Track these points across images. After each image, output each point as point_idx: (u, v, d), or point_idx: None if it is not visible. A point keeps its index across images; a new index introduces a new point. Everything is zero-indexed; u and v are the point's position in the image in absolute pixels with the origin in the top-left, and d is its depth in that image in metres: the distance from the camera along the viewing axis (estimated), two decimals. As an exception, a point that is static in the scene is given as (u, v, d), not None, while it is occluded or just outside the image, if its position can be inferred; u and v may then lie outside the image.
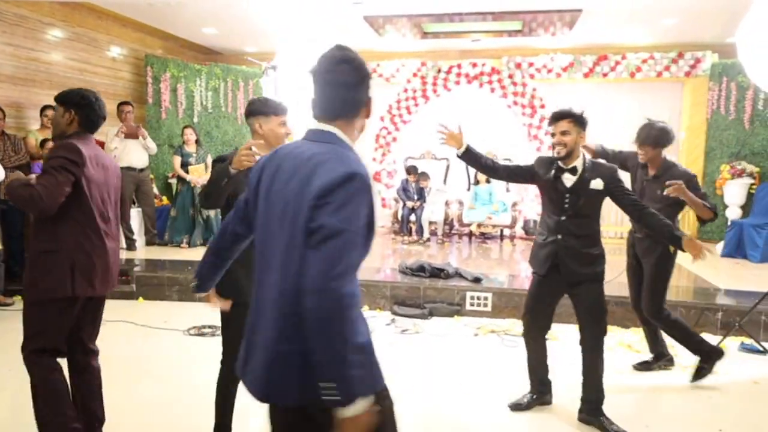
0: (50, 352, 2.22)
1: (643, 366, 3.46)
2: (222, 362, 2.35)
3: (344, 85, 1.34)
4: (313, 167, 1.26)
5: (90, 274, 2.17)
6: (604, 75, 7.30)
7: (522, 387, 3.18)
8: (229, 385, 2.32)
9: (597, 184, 2.58)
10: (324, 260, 1.16)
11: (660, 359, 3.45)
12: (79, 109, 2.20)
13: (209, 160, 6.59)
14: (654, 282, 3.15)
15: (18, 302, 4.70)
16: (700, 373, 3.22)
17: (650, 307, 3.18)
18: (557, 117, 2.61)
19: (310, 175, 1.25)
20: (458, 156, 2.81)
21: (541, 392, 2.93)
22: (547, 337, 4.03)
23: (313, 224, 1.20)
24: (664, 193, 2.93)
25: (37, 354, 2.20)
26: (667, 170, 3.07)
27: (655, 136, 3.02)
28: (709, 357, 3.20)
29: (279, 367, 1.27)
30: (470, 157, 2.80)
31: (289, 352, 1.25)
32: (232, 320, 2.22)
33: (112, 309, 4.49)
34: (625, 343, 3.90)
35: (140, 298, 4.89)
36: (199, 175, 6.36)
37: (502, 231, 7.21)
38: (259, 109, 2.22)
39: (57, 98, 2.26)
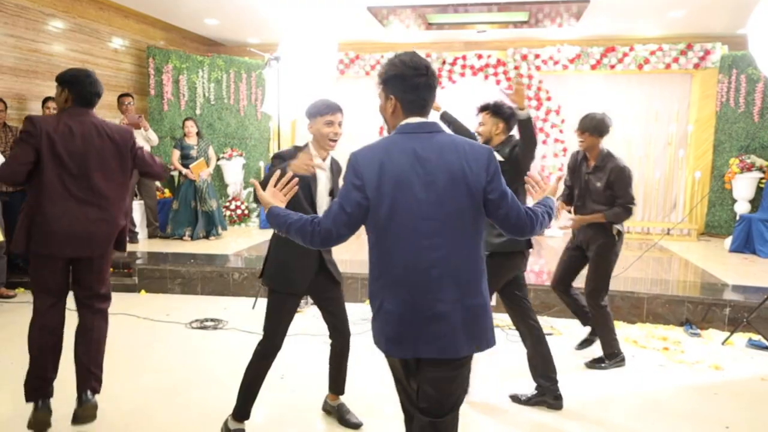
0: (46, 295, 2.47)
1: (585, 344, 3.58)
2: (260, 344, 2.41)
3: (434, 88, 1.64)
4: (462, 151, 1.57)
5: (47, 235, 2.33)
6: (612, 67, 7.20)
7: (524, 382, 3.15)
8: (263, 368, 2.41)
9: (498, 156, 2.74)
10: (520, 208, 1.65)
11: (596, 333, 3.55)
12: (71, 86, 2.40)
13: (211, 152, 6.57)
14: (596, 270, 3.31)
15: (20, 294, 4.70)
16: (596, 363, 3.38)
17: (590, 292, 3.33)
18: (478, 110, 2.90)
19: (465, 158, 1.56)
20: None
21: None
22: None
23: (495, 194, 1.59)
24: (568, 221, 3.23)
25: (36, 295, 2.50)
26: (604, 160, 3.24)
27: (595, 125, 3.20)
28: (612, 357, 3.37)
29: (476, 319, 1.57)
30: (445, 120, 3.04)
31: (480, 304, 1.59)
32: (280, 308, 2.37)
33: (114, 301, 4.47)
34: (630, 339, 3.85)
35: (142, 291, 4.88)
36: (201, 170, 6.31)
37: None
38: (308, 112, 2.34)
39: (56, 78, 2.50)
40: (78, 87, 2.39)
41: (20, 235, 2.39)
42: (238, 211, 7.44)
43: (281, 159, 2.28)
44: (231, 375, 3.17)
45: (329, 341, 2.62)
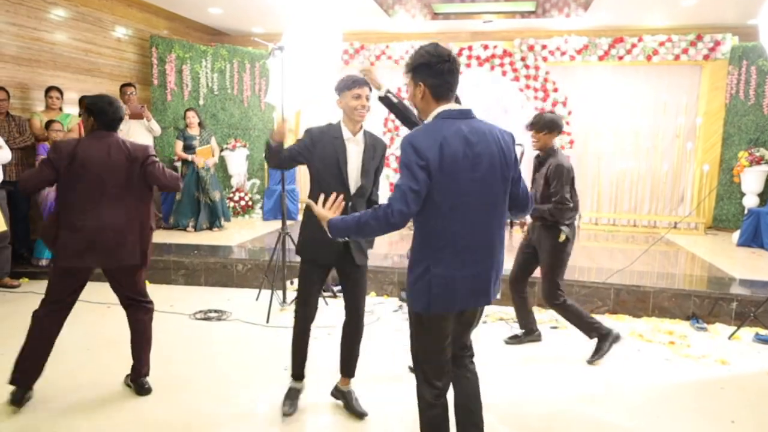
0: (50, 303, 2.67)
1: (514, 340, 3.62)
2: (295, 310, 2.66)
3: (457, 72, 1.86)
4: (496, 136, 1.85)
5: (72, 247, 2.56)
6: (620, 58, 7.10)
7: (529, 373, 3.13)
8: (302, 330, 2.65)
9: None
10: (526, 186, 2.00)
11: (529, 335, 3.64)
12: (96, 115, 2.67)
13: (214, 142, 6.53)
14: (549, 269, 3.34)
15: (25, 284, 4.71)
16: (598, 352, 3.34)
17: (546, 292, 3.37)
18: None
19: (499, 142, 1.84)
20: (378, 98, 2.98)
21: None
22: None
23: (516, 173, 1.93)
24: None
25: (42, 304, 2.69)
26: (548, 155, 3.31)
27: (544, 122, 3.27)
28: (605, 337, 3.35)
29: (498, 274, 1.95)
30: (387, 103, 2.96)
31: (501, 261, 1.95)
32: (305, 277, 2.59)
33: (117, 292, 4.49)
34: (636, 333, 3.82)
35: (146, 282, 4.87)
36: (206, 157, 6.28)
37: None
38: (336, 88, 2.49)
39: (81, 104, 2.78)
40: (103, 116, 2.66)
41: (52, 248, 2.65)
42: (242, 203, 7.42)
43: (310, 134, 2.50)
44: (234, 366, 3.17)
45: (343, 324, 2.70)
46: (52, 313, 2.66)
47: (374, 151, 2.52)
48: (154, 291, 4.64)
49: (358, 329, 2.64)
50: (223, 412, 2.66)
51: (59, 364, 3.11)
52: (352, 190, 2.47)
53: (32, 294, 4.42)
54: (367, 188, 2.52)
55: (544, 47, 7.24)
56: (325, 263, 2.57)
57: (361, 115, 2.45)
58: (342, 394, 2.73)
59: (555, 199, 3.20)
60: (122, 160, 2.63)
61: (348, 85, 2.43)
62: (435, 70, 1.80)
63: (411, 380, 3.03)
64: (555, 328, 3.94)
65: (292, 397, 2.69)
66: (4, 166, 4.58)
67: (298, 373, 2.69)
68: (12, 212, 4.66)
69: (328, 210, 1.93)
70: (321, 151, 2.45)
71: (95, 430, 2.49)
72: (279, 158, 2.53)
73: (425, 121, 1.87)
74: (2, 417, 2.57)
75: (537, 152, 3.39)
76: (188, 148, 6.28)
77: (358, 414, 2.65)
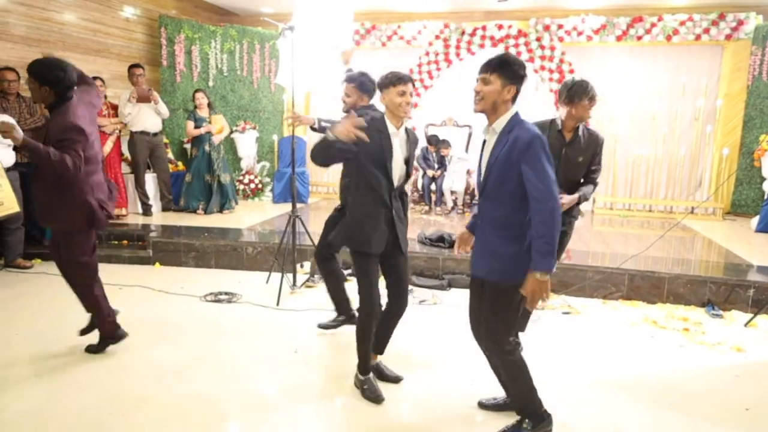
0: (89, 267, 2.90)
1: None
2: (360, 309, 2.59)
3: None
4: None
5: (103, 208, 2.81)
6: (639, 38, 6.89)
7: (540, 359, 3.10)
8: (368, 326, 2.58)
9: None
10: None
11: None
12: (54, 85, 2.62)
13: (224, 121, 6.48)
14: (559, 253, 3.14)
15: (37, 265, 4.75)
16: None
17: None
18: (345, 80, 3.18)
19: None
20: (311, 128, 3.27)
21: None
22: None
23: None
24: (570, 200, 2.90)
25: (78, 269, 2.88)
26: (587, 133, 2.94)
27: (594, 92, 2.85)
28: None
29: None
30: (322, 129, 3.13)
31: None
32: (366, 269, 2.53)
33: (129, 274, 4.53)
34: (650, 319, 3.76)
35: (156, 264, 4.90)
36: (219, 128, 6.21)
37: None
38: (381, 83, 2.51)
39: (33, 74, 2.62)
40: (60, 86, 2.62)
41: (84, 216, 2.79)
42: (252, 185, 7.41)
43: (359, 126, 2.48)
44: (244, 348, 3.18)
45: (385, 307, 2.72)
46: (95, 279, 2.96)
47: (414, 145, 2.62)
48: (165, 273, 4.71)
49: (400, 311, 2.68)
50: (232, 393, 2.67)
51: (65, 342, 3.14)
52: (396, 182, 2.53)
53: (44, 275, 4.47)
54: (408, 179, 2.60)
55: (560, 27, 7.05)
56: (378, 251, 2.54)
57: (405, 111, 2.49)
58: (372, 367, 2.77)
59: (596, 177, 2.99)
60: (93, 112, 2.89)
61: (393, 82, 2.44)
62: (523, 82, 2.15)
63: (424, 366, 3.03)
64: (567, 313, 3.90)
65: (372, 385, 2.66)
66: (16, 147, 4.59)
67: (365, 367, 2.66)
68: (25, 193, 4.68)
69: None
70: (366, 145, 2.44)
71: (103, 410, 2.51)
72: (332, 155, 2.40)
73: (504, 117, 2.12)
74: (12, 397, 2.60)
75: (577, 128, 2.90)
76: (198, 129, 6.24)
77: (394, 379, 2.75)
